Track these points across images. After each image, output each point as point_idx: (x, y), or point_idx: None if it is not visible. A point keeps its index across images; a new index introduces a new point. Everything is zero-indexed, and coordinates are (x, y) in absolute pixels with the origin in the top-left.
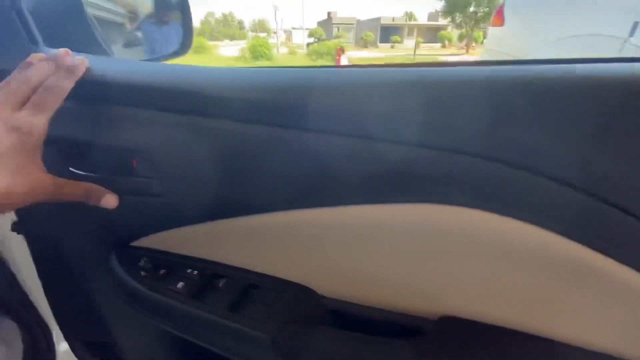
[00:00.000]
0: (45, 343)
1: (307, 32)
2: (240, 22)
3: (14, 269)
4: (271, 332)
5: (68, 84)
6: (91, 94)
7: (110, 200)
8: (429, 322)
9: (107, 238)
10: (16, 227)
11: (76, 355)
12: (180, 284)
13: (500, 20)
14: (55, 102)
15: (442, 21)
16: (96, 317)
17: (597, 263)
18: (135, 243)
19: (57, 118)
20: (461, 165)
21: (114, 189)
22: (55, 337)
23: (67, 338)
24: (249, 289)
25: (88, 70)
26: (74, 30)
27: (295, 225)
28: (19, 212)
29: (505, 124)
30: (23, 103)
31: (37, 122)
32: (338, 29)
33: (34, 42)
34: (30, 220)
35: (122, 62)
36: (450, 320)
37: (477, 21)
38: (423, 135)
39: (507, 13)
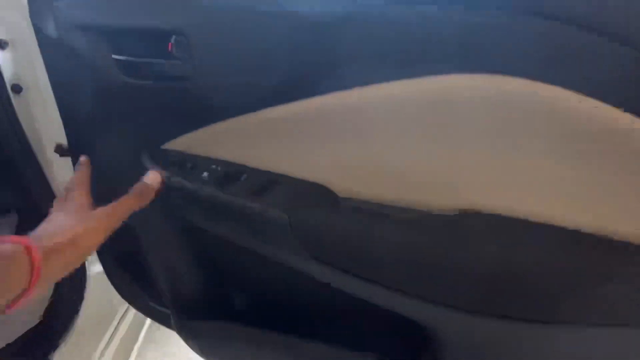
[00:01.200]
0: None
1: None
2: None
3: (55, 190)
4: (288, 213)
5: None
6: None
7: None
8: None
9: (141, 141)
10: (60, 150)
11: (106, 272)
12: (205, 174)
13: None
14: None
15: None
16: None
17: None
18: (164, 146)
19: (99, 5)
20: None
21: (149, 73)
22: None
23: (100, 254)
24: (267, 184)
25: None
26: None
27: (315, 113)
28: (68, 131)
29: None
30: None
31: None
32: None
33: None
34: (78, 141)
35: None
36: (472, 215)
37: None
38: None
39: None
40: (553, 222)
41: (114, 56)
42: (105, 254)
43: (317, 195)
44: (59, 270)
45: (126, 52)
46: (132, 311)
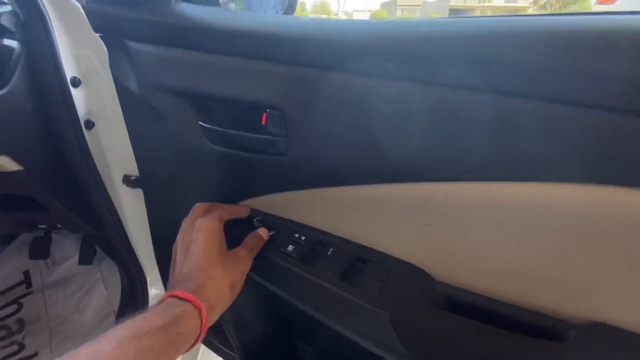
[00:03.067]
0: (141, 287)
1: (369, 15)
2: (302, 4)
3: (122, 218)
4: (389, 309)
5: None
6: (220, 45)
7: (264, 232)
8: (566, 325)
9: (216, 197)
10: (127, 181)
11: None
12: (290, 247)
13: None
14: (224, 217)
15: (521, 2)
16: None
17: None
18: (242, 203)
19: (188, 71)
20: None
21: (241, 145)
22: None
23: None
24: (357, 261)
25: (216, 21)
26: None
27: (416, 198)
28: (141, 167)
29: None
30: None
31: (216, 221)
32: (402, 11)
33: None
34: (151, 177)
35: (249, 15)
36: (601, 327)
37: (566, 3)
38: (592, 92)
39: None
40: None
41: (200, 123)
42: None
43: (414, 279)
44: (217, 316)
45: (214, 120)
46: None
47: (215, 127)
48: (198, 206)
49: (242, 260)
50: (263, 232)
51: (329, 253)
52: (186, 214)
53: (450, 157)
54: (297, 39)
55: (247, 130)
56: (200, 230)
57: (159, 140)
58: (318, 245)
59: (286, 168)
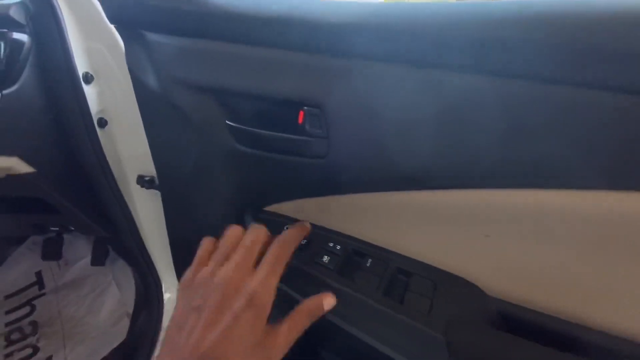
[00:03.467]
0: (156, 291)
1: None
2: None
3: (136, 220)
4: (442, 330)
5: (297, 240)
6: (250, 34)
7: (329, 301)
8: None
9: (241, 201)
10: (142, 182)
11: None
12: (325, 258)
13: None
14: (285, 260)
15: None
16: None
17: None
18: (268, 208)
19: (214, 64)
20: None
21: (273, 146)
22: (163, 287)
23: None
24: (399, 273)
25: (244, 6)
26: None
27: (471, 206)
28: (159, 168)
29: None
30: (257, 262)
31: (271, 288)
32: None
33: None
34: (170, 179)
35: None
36: None
37: None
38: None
39: None
40: None
41: (228, 122)
42: None
43: (464, 293)
44: None
45: (242, 119)
46: None
47: (244, 127)
48: (249, 242)
49: (280, 347)
50: (326, 301)
51: (367, 264)
52: (208, 219)
53: (524, 160)
54: (339, 25)
55: (281, 131)
56: (250, 304)
57: (180, 140)
58: (355, 255)
59: (325, 172)
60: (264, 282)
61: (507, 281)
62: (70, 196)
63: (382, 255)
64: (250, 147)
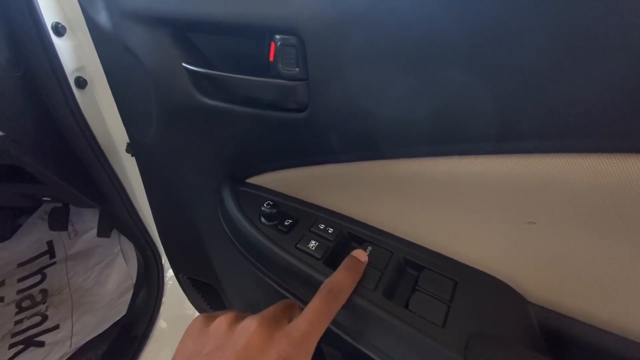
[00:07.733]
0: (155, 266)
1: None
2: None
3: (129, 191)
4: (462, 349)
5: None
6: None
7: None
8: None
9: (217, 170)
10: (129, 149)
11: (181, 287)
12: (312, 243)
13: None
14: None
15: None
16: (203, 258)
17: None
18: (250, 180)
19: None
20: None
21: (240, 96)
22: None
23: (173, 269)
24: (407, 267)
25: None
26: None
27: (509, 180)
28: (128, 130)
29: None
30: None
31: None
32: None
33: None
34: (140, 143)
35: None
36: None
37: None
38: None
39: None
40: None
41: (184, 65)
42: (178, 271)
43: (495, 298)
44: None
45: (202, 60)
46: None
47: (204, 70)
48: (265, 322)
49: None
50: (360, 254)
51: (366, 254)
52: (185, 191)
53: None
54: None
55: (247, 73)
56: None
57: (140, 94)
58: (350, 241)
59: (306, 131)
60: (299, 343)
61: (555, 284)
62: (50, 165)
63: (385, 241)
64: (214, 98)
